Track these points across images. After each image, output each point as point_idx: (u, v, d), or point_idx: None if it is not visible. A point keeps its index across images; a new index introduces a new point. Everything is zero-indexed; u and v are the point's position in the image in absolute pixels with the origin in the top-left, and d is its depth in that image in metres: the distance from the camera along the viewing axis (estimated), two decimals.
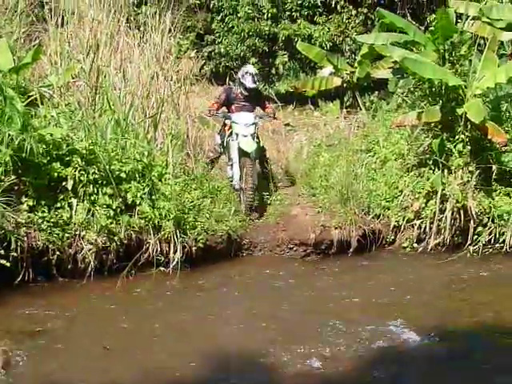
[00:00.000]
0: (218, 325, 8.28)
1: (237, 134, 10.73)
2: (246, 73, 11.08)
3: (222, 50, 16.04)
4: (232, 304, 9.08)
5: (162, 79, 11.25)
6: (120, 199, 9.48)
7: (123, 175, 9.53)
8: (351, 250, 10.49)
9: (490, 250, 10.49)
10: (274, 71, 16.41)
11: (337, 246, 10.47)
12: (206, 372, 7.12)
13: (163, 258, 9.56)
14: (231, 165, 11.02)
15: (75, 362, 7.32)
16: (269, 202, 11.29)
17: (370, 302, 8.96)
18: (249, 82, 10.97)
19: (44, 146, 9.18)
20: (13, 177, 8.99)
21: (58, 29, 11.45)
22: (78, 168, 9.29)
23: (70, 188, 9.27)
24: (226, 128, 11.09)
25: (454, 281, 9.69)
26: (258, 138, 11.06)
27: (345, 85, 14.63)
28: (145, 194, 9.62)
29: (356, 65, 14.49)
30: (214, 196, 10.48)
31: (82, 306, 8.72)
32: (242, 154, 10.68)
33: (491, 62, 10.93)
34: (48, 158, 9.24)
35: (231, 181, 11.01)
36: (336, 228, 10.49)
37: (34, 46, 10.90)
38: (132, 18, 12.46)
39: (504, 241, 10.42)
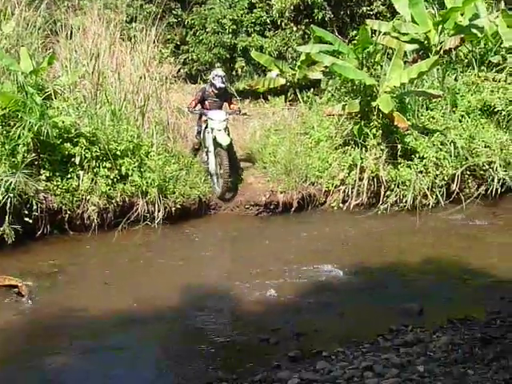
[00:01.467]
0: (192, 265, 8.33)
1: (212, 129, 10.29)
2: (216, 75, 10.65)
3: (194, 56, 15.83)
4: (202, 250, 9.08)
5: (148, 79, 11.09)
6: (116, 171, 9.43)
7: (118, 153, 9.46)
8: (293, 209, 10.48)
9: (396, 208, 10.52)
10: (234, 73, 16.24)
11: (282, 206, 10.46)
12: (185, 301, 7.20)
13: (149, 216, 9.54)
14: (206, 152, 10.64)
15: (82, 294, 7.37)
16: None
17: (306, 247, 9.05)
18: (218, 83, 10.56)
19: (57, 131, 9.10)
20: (33, 154, 8.95)
21: (68, 40, 11.27)
22: (84, 147, 9.24)
23: (77, 162, 9.23)
24: (202, 120, 10.70)
25: (369, 231, 9.77)
26: (228, 130, 10.71)
27: (288, 84, 14.53)
28: (135, 167, 9.56)
29: (296, 68, 14.39)
30: (189, 168, 10.41)
31: (88, 253, 8.73)
32: (217, 145, 10.24)
33: (398, 67, 10.94)
34: (60, 139, 9.18)
35: (206, 165, 10.65)
36: (281, 192, 10.47)
37: (48, 53, 10.73)
38: (125, 32, 12.25)
39: (406, 201, 10.44)
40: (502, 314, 6.49)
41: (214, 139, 10.24)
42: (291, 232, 9.80)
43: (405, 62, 11.45)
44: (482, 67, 12.19)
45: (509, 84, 11.67)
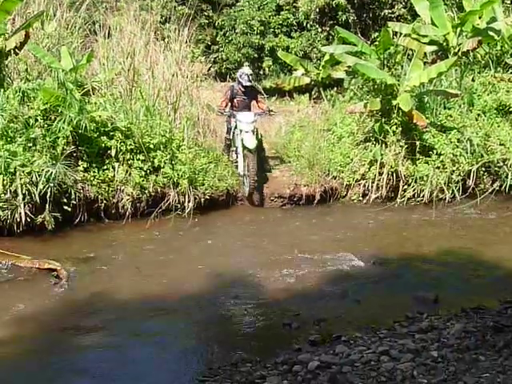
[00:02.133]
0: (219, 254, 8.35)
1: (241, 130, 10.09)
2: (243, 73, 10.51)
3: (224, 56, 15.90)
4: (229, 239, 9.09)
5: (180, 77, 11.14)
6: (149, 163, 9.50)
7: (151, 146, 9.54)
8: (315, 201, 10.47)
9: (414, 202, 10.47)
10: (261, 72, 16.29)
11: (305, 199, 10.46)
12: (212, 287, 7.22)
13: (180, 206, 9.59)
14: (235, 152, 10.50)
15: (115, 279, 7.45)
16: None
17: (328, 238, 9.02)
18: (245, 81, 10.39)
19: (94, 124, 9.20)
20: (72, 147, 9.05)
21: (105, 40, 11.35)
22: (119, 140, 9.32)
23: (113, 155, 9.32)
24: (232, 120, 10.55)
25: (387, 224, 9.73)
26: (257, 131, 10.45)
27: (312, 82, 14.53)
28: (167, 159, 9.62)
29: (321, 68, 14.38)
30: (217, 162, 10.44)
31: (122, 240, 8.79)
32: (245, 147, 10.03)
33: (417, 67, 10.88)
34: (97, 133, 9.27)
35: (236, 164, 10.46)
36: (305, 186, 10.47)
37: (87, 52, 10.81)
38: (159, 32, 12.32)
39: (423, 195, 10.41)
40: None
41: (242, 141, 10.08)
42: (313, 223, 9.78)
43: (424, 63, 11.36)
44: (499, 68, 12.10)
45: None
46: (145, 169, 9.43)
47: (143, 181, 9.38)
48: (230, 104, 10.64)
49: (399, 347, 5.28)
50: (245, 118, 10.20)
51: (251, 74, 10.75)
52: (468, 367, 4.76)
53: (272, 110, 10.92)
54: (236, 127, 10.34)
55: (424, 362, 4.91)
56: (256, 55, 15.69)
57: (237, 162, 10.45)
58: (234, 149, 10.58)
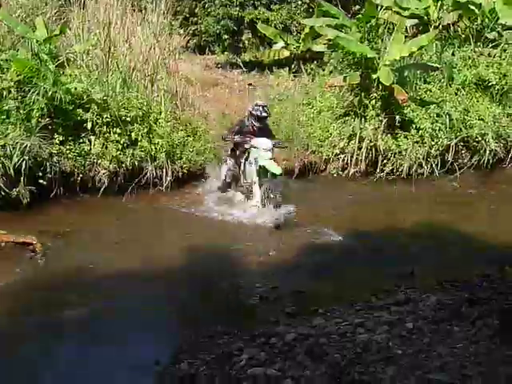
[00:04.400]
0: (198, 227, 8.37)
1: (256, 159, 8.90)
2: (256, 105, 9.16)
3: (203, 28, 15.75)
4: (209, 212, 8.96)
5: (158, 49, 11.03)
6: (126, 137, 9.43)
7: (128, 119, 9.45)
8: (294, 175, 10.46)
9: (392, 176, 10.53)
10: (241, 45, 16.18)
11: (284, 173, 10.47)
12: (191, 261, 7.27)
13: (158, 180, 9.57)
14: (249, 185, 9.15)
15: (91, 252, 7.43)
16: None
17: (306, 212, 9.01)
18: (260, 112, 9.04)
19: (70, 97, 9.09)
20: (47, 119, 8.93)
21: (81, 10, 11.18)
22: (95, 113, 9.25)
23: (89, 128, 9.24)
24: (239, 152, 9.30)
25: (366, 198, 9.77)
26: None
27: (292, 56, 14.47)
28: (144, 133, 9.56)
29: (300, 41, 14.32)
30: (195, 136, 10.40)
31: (99, 214, 8.76)
32: (264, 175, 8.88)
33: (398, 41, 10.86)
34: (73, 105, 9.19)
35: (245, 197, 9.20)
36: (284, 160, 10.42)
37: (62, 22, 10.66)
38: (136, 3, 12.17)
39: (402, 170, 10.47)
40: (489, 278, 6.54)
41: (261, 169, 8.90)
42: (293, 196, 9.77)
43: (405, 37, 11.35)
44: (479, 43, 12.08)
45: (503, 59, 11.58)
46: (122, 142, 9.36)
47: (120, 154, 9.32)
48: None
49: (375, 319, 5.36)
50: (262, 144, 8.94)
51: (266, 106, 9.37)
52: (442, 338, 4.85)
53: (251, 84, 10.84)
54: (247, 158, 9.16)
55: (399, 334, 4.99)
56: (235, 28, 15.56)
57: (248, 195, 9.21)
58: (245, 183, 9.28)
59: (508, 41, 11.92)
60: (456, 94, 11.29)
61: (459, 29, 12.44)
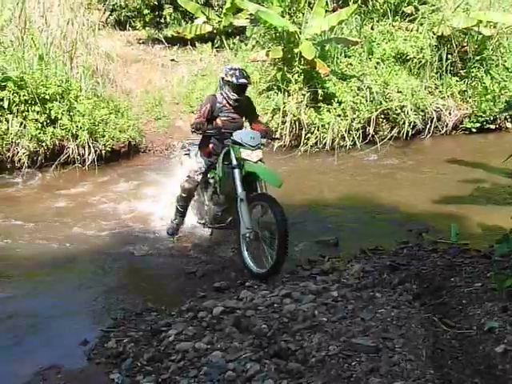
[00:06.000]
0: (121, 205, 8.21)
1: (242, 161, 6.15)
2: (231, 69, 6.57)
3: (123, 3, 15.39)
4: (134, 189, 8.89)
5: (76, 25, 10.75)
6: (45, 115, 9.23)
7: (47, 97, 9.24)
8: None
9: (316, 149, 10.69)
10: (162, 20, 15.91)
11: None
12: (115, 239, 7.17)
13: (80, 159, 9.39)
14: (232, 201, 6.31)
15: (13, 234, 7.24)
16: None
17: None
18: (237, 78, 6.40)
19: None
20: None
21: None
22: (12, 91, 9.00)
23: (6, 106, 8.96)
24: (212, 147, 6.74)
25: (290, 171, 9.80)
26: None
27: (214, 31, 14.35)
28: (64, 111, 9.37)
29: (222, 16, 14.22)
30: (118, 113, 10.22)
31: (18, 193, 8.55)
32: (253, 188, 6.27)
33: (319, 15, 11.00)
34: None
35: (224, 225, 6.74)
36: None
37: None
38: None
39: (325, 143, 10.65)
40: (409, 245, 6.77)
41: (247, 176, 6.20)
42: None
43: (326, 11, 11.45)
44: (397, 17, 12.37)
45: (420, 33, 11.88)
46: (41, 121, 9.15)
47: (40, 133, 9.11)
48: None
49: (301, 289, 5.44)
50: (248, 139, 6.23)
51: (244, 70, 6.78)
52: (365, 304, 4.99)
53: (174, 59, 10.67)
54: (226, 160, 6.38)
55: (324, 302, 5.09)
56: (156, 2, 15.28)
57: (228, 222, 6.68)
58: (220, 196, 6.66)
59: (424, 15, 12.22)
60: (376, 67, 11.54)
61: (378, 3, 12.64)
